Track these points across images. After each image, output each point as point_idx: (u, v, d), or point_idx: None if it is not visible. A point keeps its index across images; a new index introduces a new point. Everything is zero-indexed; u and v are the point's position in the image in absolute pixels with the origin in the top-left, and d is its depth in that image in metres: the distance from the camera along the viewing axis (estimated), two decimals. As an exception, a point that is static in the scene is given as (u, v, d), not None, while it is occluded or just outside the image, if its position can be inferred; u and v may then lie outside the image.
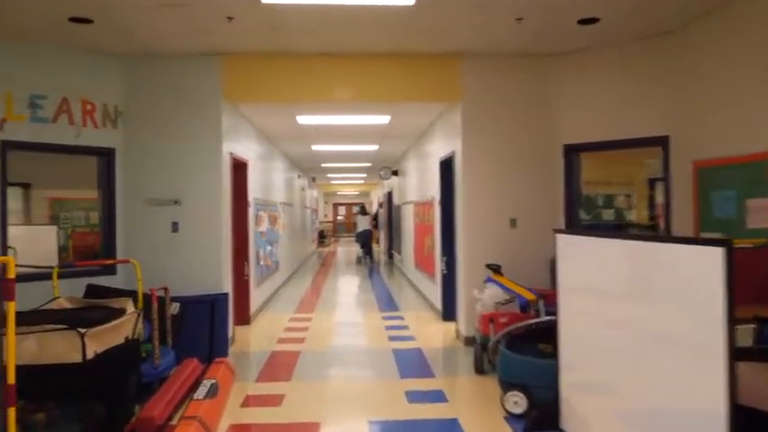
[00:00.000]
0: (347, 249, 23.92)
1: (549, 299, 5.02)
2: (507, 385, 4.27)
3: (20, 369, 3.08)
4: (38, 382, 3.16)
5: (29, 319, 3.75)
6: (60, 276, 5.57)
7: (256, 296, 8.58)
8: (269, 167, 10.28)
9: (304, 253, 17.96)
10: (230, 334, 6.65)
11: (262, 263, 9.15)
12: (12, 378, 2.77)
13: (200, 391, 4.34)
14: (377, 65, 6.31)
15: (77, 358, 3.07)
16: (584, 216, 6.47)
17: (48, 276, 5.59)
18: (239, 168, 7.55)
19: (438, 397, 4.78)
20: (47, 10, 4.71)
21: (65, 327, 3.10)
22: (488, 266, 5.96)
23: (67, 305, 4.08)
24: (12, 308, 2.78)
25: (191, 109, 6.23)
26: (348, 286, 12.72)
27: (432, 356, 6.13)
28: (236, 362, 5.97)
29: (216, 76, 6.20)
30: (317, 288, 12.01)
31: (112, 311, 3.95)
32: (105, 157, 6.13)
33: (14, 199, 9.69)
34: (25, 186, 9.61)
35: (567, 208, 6.32)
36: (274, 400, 4.75)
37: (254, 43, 5.78)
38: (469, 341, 6.25)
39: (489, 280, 5.78)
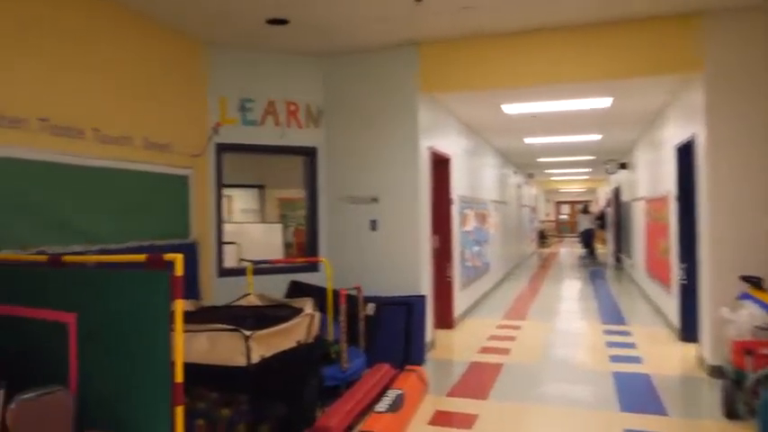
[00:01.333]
0: (570, 251, 22.26)
1: (841, 327, 3.64)
2: (774, 445, 3.12)
3: (191, 367, 3.03)
4: (209, 382, 3.10)
5: (213, 315, 3.79)
6: (268, 272, 5.82)
7: (461, 299, 8.14)
8: (476, 163, 9.76)
9: (521, 254, 17.07)
10: (429, 338, 6.31)
11: (468, 263, 8.68)
12: (179, 376, 2.70)
13: (383, 403, 4.01)
14: (588, 37, 5.37)
15: (242, 362, 2.92)
16: None
17: (276, 270, 5.86)
18: (441, 164, 7.18)
19: (670, 443, 3.77)
20: (246, 14, 4.85)
21: (232, 328, 2.98)
22: (745, 279, 4.63)
23: (256, 302, 4.07)
24: (179, 306, 2.71)
25: (387, 103, 6.03)
26: (567, 291, 11.59)
27: (664, 386, 4.99)
28: (432, 370, 5.58)
29: (411, 66, 5.90)
30: (532, 292, 11.15)
31: (295, 311, 3.83)
32: (308, 156, 6.25)
33: (252, 199, 10.78)
34: (260, 188, 10.63)
35: None
36: (465, 421, 4.21)
37: (446, 27, 5.33)
38: (716, 372, 4.94)
39: (745, 296, 4.47)
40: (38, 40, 3.87)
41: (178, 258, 2.69)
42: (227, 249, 7.46)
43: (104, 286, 2.87)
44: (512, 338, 7.01)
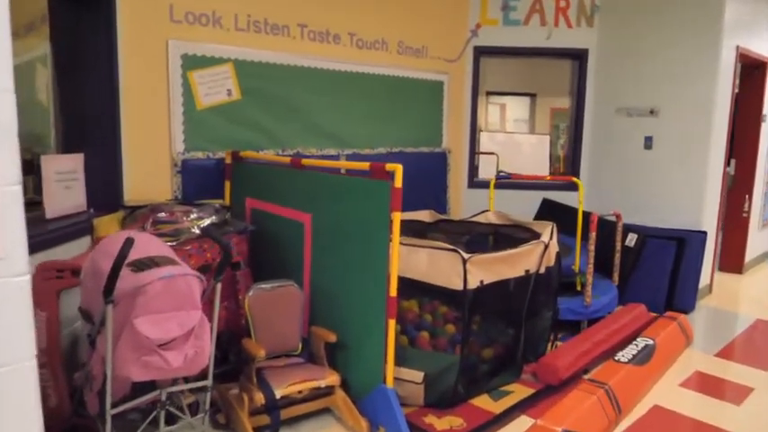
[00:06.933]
0: None
1: None
2: None
3: (413, 282, 2.97)
4: (428, 298, 3.01)
5: (448, 229, 3.67)
6: (521, 187, 5.47)
7: (759, 239, 6.64)
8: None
9: None
10: (706, 283, 5.32)
11: (775, 198, 6.98)
12: (393, 290, 2.65)
13: (627, 352, 3.47)
14: None
15: (458, 285, 2.73)
16: None
17: (530, 186, 5.49)
18: (752, 70, 5.69)
19: None
20: None
21: (451, 248, 2.78)
22: None
23: (494, 220, 3.81)
24: (396, 218, 2.61)
25: (682, -9, 4.87)
26: None
27: None
28: (702, 320, 4.72)
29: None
30: None
31: (532, 236, 3.48)
32: (577, 59, 5.50)
33: (522, 108, 10.34)
34: (532, 96, 10.09)
35: None
36: (733, 393, 3.43)
37: None
38: None
39: None
40: (301, -55, 3.97)
41: (398, 169, 2.56)
42: (484, 160, 7.27)
43: (333, 191, 2.93)
44: (825, 298, 5.52)
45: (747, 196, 6.19)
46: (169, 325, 1.90)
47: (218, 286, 2.20)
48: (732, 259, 6.26)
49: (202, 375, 2.20)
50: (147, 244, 2.13)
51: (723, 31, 4.75)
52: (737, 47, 5.06)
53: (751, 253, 6.43)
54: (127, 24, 3.20)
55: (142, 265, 1.96)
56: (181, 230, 2.92)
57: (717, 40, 4.77)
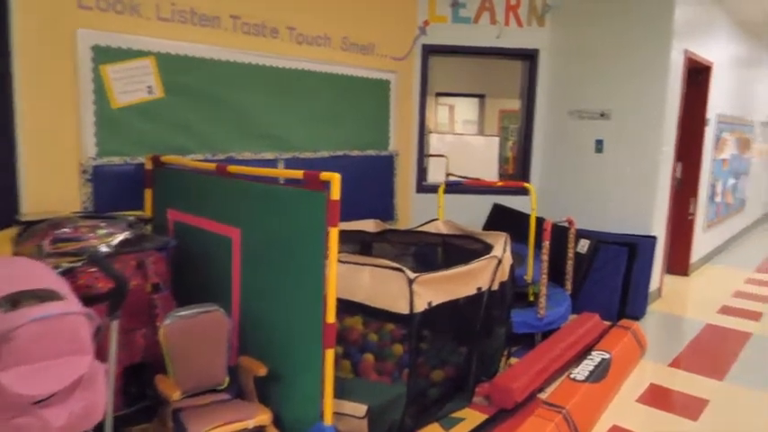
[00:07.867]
0: None
1: None
2: None
3: (353, 305, 2.68)
4: (372, 322, 2.72)
5: (396, 240, 3.39)
6: (471, 191, 5.23)
7: (703, 241, 6.69)
8: (746, 73, 7.66)
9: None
10: (656, 287, 5.26)
11: (718, 199, 7.06)
12: (331, 316, 2.35)
13: (583, 369, 3.28)
14: None
15: (404, 308, 2.45)
16: None
17: (480, 190, 5.21)
18: (697, 73, 5.67)
19: None
20: None
21: (396, 267, 2.50)
22: None
23: (443, 229, 3.56)
24: (333, 234, 2.30)
25: (634, -8, 4.76)
26: None
27: None
28: (654, 327, 4.63)
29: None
30: (801, 240, 8.89)
31: (484, 248, 3.25)
32: (528, 60, 5.33)
33: (471, 109, 10.16)
34: (481, 97, 9.92)
35: None
36: (689, 407, 3.30)
37: None
38: None
39: None
40: (232, -73, 3.60)
41: (335, 179, 2.26)
42: (434, 163, 7.02)
43: (264, 202, 2.60)
44: (766, 300, 5.55)
45: (693, 199, 6.20)
46: (47, 377, 1.54)
47: (115, 324, 1.85)
48: (678, 261, 6.26)
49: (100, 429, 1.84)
50: (26, 273, 1.76)
51: (673, 35, 4.68)
52: (686, 50, 5.00)
53: (696, 255, 6.46)
54: (24, 10, 2.77)
55: (13, 302, 1.59)
56: (86, 249, 2.53)
57: (667, 43, 4.68)
